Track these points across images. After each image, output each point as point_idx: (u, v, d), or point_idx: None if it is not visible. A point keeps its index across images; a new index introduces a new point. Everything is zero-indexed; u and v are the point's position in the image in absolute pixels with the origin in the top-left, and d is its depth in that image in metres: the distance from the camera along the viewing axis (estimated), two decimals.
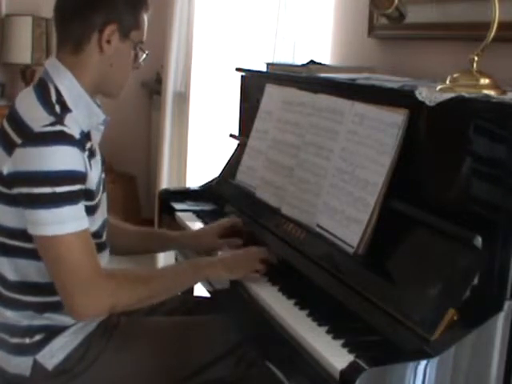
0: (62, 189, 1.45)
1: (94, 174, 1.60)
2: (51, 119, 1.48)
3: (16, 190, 1.49)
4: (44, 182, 1.45)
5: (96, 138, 1.69)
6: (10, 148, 1.50)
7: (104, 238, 1.69)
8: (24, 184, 1.47)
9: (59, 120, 1.49)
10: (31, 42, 4.11)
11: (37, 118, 1.49)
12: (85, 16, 1.58)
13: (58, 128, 1.47)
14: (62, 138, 1.47)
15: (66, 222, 1.47)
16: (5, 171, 1.50)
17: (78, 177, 1.49)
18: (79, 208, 1.50)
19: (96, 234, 1.62)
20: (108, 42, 1.59)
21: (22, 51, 4.14)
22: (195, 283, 1.78)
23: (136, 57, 1.67)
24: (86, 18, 1.58)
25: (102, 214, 1.67)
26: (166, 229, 2.27)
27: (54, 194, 1.45)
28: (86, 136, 1.61)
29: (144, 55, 1.68)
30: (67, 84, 1.58)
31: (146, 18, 1.66)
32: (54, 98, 1.55)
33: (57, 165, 1.45)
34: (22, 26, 4.12)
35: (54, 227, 1.46)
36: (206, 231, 2.01)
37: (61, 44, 1.63)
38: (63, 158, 1.46)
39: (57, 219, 1.46)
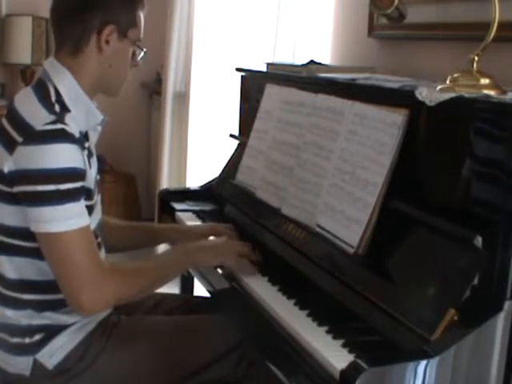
0: (65, 186, 1.47)
1: (92, 174, 1.61)
2: (52, 118, 1.50)
3: (18, 188, 1.50)
4: (47, 179, 1.46)
5: (93, 138, 1.69)
6: (10, 146, 1.50)
7: (100, 238, 1.70)
8: (27, 182, 1.47)
9: (60, 119, 1.50)
10: (31, 42, 4.11)
11: (38, 116, 1.50)
12: (83, 18, 1.59)
13: (59, 126, 1.48)
14: (64, 136, 1.48)
15: (71, 219, 1.48)
16: (6, 169, 1.50)
17: (80, 174, 1.51)
18: (81, 204, 1.51)
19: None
20: (107, 42, 1.61)
21: (22, 51, 4.14)
22: (187, 268, 1.85)
23: (134, 55, 1.69)
24: (83, 20, 1.59)
25: (97, 215, 1.68)
26: None
27: (58, 191, 1.46)
28: (84, 136, 1.62)
29: (142, 53, 1.70)
30: (66, 84, 1.59)
31: (142, 15, 1.68)
32: (53, 97, 1.56)
33: (59, 162, 1.46)
34: (22, 26, 4.12)
35: (59, 224, 1.47)
36: (197, 231, 1.98)
37: (59, 45, 1.64)
38: (65, 156, 1.47)
39: (61, 216, 1.47)
